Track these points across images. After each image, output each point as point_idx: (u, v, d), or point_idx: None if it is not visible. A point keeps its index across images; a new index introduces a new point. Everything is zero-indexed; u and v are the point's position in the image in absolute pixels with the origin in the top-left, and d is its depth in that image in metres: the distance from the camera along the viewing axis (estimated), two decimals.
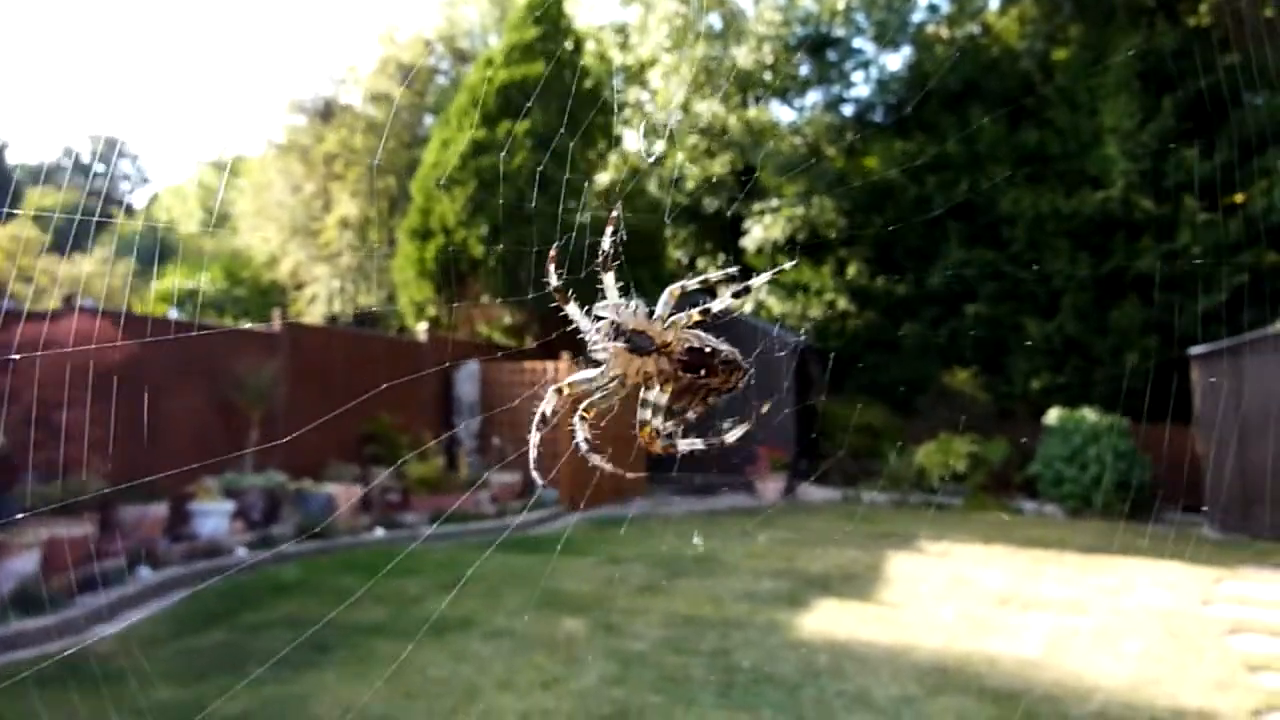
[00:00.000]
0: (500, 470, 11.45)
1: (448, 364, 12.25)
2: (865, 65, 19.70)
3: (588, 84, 16.14)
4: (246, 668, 4.98)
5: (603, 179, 15.08)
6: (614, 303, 1.63)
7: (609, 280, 1.65)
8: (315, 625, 5.74)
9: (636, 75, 19.13)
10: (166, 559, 7.35)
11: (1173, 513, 12.02)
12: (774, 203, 17.41)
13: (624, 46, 19.81)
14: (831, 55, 19.32)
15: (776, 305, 18.06)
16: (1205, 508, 11.25)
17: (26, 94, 51.09)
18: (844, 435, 14.43)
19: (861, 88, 20.06)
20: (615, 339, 1.60)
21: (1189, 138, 14.43)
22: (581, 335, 1.67)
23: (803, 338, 14.63)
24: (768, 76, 18.40)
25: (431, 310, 14.27)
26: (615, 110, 17.71)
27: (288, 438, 5.57)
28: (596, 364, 1.66)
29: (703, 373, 1.60)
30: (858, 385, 16.79)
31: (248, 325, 12.85)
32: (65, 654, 4.66)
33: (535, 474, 1.68)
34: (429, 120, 22.03)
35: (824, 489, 14.13)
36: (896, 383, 15.51)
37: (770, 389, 1.84)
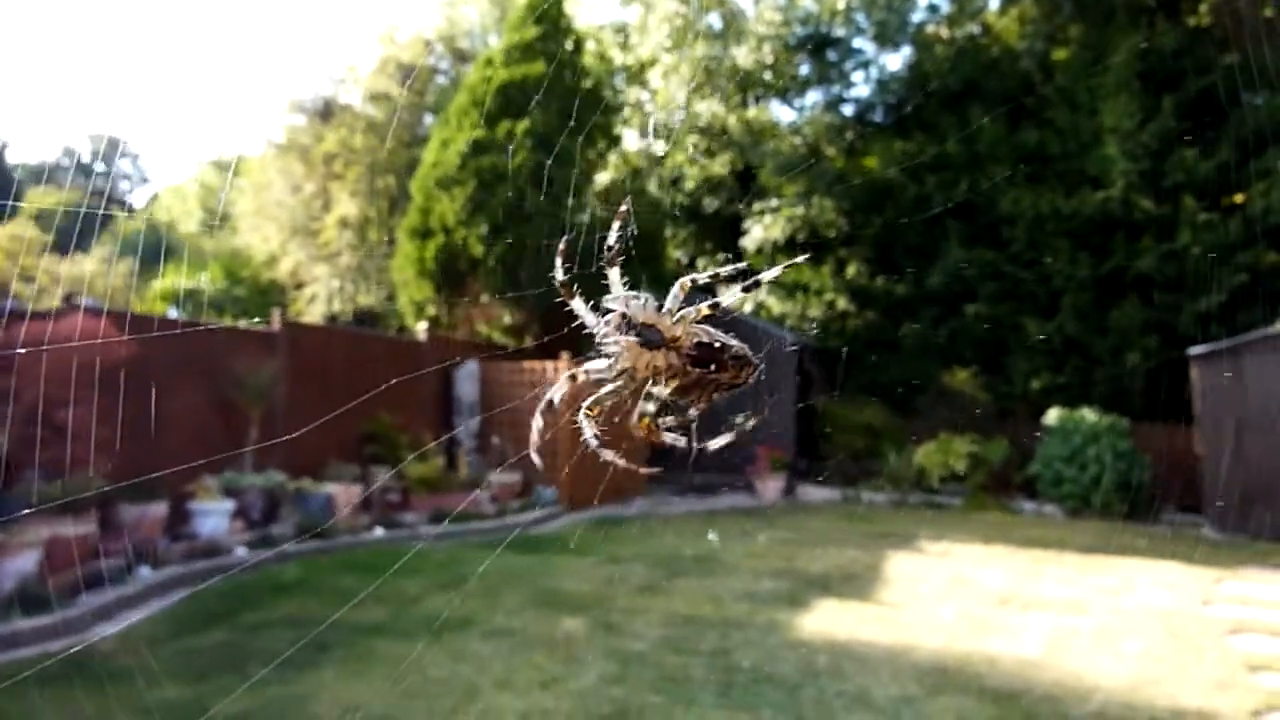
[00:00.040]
0: (501, 470, 11.44)
1: (454, 360, 12.26)
2: (865, 65, 19.72)
3: (587, 84, 16.14)
4: (247, 667, 4.98)
5: (602, 179, 15.09)
6: (624, 295, 1.61)
7: (614, 275, 1.63)
8: (316, 624, 5.74)
9: (636, 75, 19.14)
10: (166, 558, 7.34)
11: (1172, 513, 12.03)
12: (774, 202, 17.42)
13: (624, 46, 19.81)
14: (831, 55, 19.33)
15: (776, 305, 18.06)
16: (1208, 507, 11.26)
17: (27, 94, 51.08)
18: (844, 435, 14.44)
19: (861, 88, 20.08)
20: (625, 332, 1.58)
21: (1189, 138, 14.44)
22: (587, 330, 1.66)
23: (810, 334, 14.62)
24: (768, 76, 18.41)
25: (431, 310, 14.28)
26: (615, 110, 17.72)
27: (287, 436, 5.57)
28: (604, 358, 1.64)
29: (712, 368, 1.59)
30: (857, 385, 16.79)
31: (245, 324, 12.84)
32: (66, 653, 4.66)
33: (535, 455, 1.69)
34: (429, 120, 22.02)
35: (824, 489, 14.13)
36: (896, 383, 15.51)
37: (774, 388, 1.84)
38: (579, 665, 5.20)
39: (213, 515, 8.26)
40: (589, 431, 1.62)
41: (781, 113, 21.15)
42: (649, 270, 1.66)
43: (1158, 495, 11.94)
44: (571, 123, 12.14)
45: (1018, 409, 15.10)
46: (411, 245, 14.16)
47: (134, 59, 60.38)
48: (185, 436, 8.42)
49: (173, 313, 14.11)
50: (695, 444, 1.67)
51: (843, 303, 17.61)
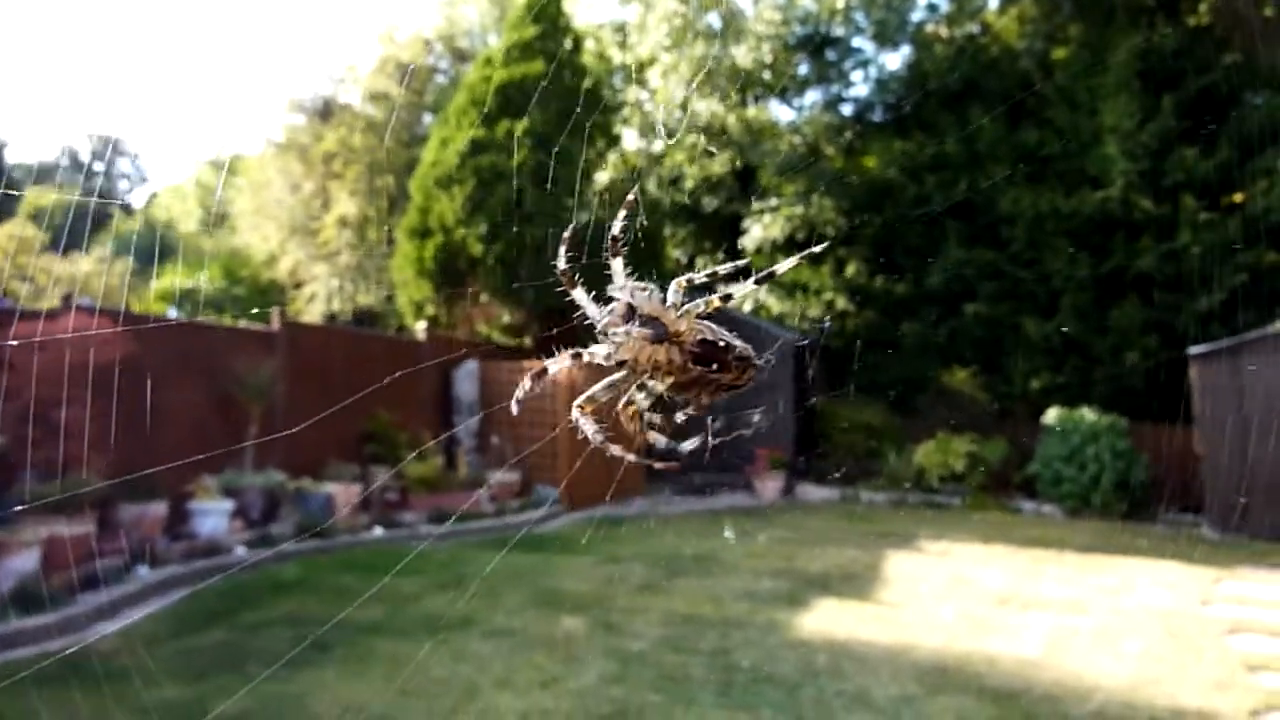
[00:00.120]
0: (500, 470, 11.44)
1: (459, 353, 12.24)
2: (864, 64, 19.69)
3: (587, 83, 16.13)
4: (246, 666, 4.98)
5: (602, 178, 15.07)
6: (630, 285, 1.56)
7: (617, 265, 1.59)
8: (315, 623, 5.74)
9: (636, 74, 19.11)
10: (166, 557, 7.34)
11: (1171, 512, 12.03)
12: (773, 202, 17.41)
13: (623, 45, 19.80)
14: (831, 54, 19.31)
15: (775, 304, 18.05)
16: (1208, 507, 11.26)
17: (26, 93, 51.02)
18: (843, 435, 14.43)
19: (861, 87, 20.05)
20: (629, 323, 1.53)
21: (1189, 138, 14.43)
22: (589, 321, 1.62)
23: (820, 331, 14.55)
24: (767, 76, 18.39)
25: (430, 309, 14.26)
26: (614, 109, 17.71)
27: (286, 433, 5.57)
28: (609, 344, 1.60)
29: (714, 367, 1.54)
30: (857, 385, 16.77)
31: (245, 323, 12.84)
32: (66, 652, 4.65)
33: (515, 406, 1.66)
34: (428, 119, 22.01)
35: (823, 488, 14.13)
36: (896, 382, 15.50)
37: (775, 387, 1.83)
38: (579, 665, 5.19)
39: (212, 514, 8.26)
40: (590, 428, 1.58)
41: (781, 112, 21.15)
42: (648, 269, 1.63)
43: (1157, 495, 11.94)
44: (571, 122, 12.13)
45: (1017, 409, 15.09)
46: (411, 245, 14.15)
47: (133, 58, 60.35)
48: (184, 436, 8.41)
49: (172, 313, 14.10)
50: (673, 444, 1.64)
51: (842, 302, 17.60)
